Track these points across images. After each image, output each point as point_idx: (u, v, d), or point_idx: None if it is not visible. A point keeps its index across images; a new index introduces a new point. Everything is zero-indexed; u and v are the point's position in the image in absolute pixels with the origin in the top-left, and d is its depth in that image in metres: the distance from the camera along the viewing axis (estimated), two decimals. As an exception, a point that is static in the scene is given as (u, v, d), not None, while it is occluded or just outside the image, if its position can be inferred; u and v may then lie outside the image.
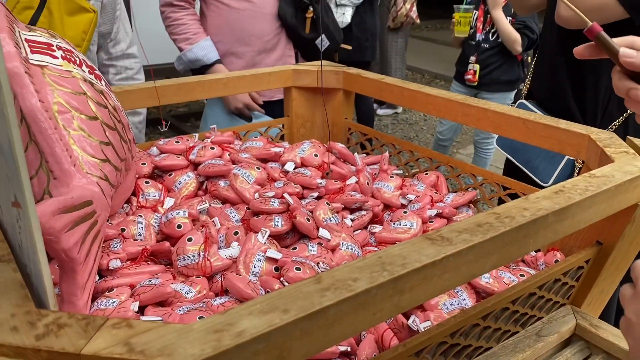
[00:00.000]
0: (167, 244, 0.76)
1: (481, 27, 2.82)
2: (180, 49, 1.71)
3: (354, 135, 1.27)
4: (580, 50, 0.61)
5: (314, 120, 1.28)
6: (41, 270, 0.42)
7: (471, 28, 2.83)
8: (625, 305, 0.47)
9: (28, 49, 0.70)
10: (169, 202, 0.87)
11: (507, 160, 1.49)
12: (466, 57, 2.87)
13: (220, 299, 0.64)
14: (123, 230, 0.78)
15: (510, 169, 1.50)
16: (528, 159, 1.25)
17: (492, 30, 2.79)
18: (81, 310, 0.58)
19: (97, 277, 0.68)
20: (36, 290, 0.45)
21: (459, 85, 3.01)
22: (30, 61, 0.68)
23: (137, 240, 0.77)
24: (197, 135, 1.10)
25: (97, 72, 0.80)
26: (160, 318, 0.58)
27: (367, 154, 1.20)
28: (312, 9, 1.68)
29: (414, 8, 4.33)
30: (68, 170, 0.63)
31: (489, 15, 2.78)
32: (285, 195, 0.81)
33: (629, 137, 0.78)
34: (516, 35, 2.67)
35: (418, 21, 4.54)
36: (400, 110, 4.99)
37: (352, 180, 0.92)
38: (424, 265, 0.47)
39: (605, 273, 0.76)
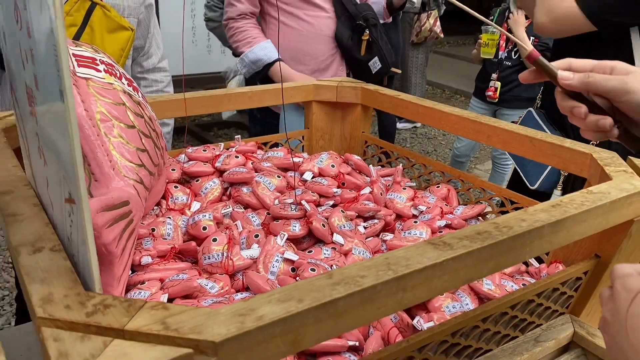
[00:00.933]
0: (193, 243, 0.82)
1: (504, 45, 2.87)
2: (242, 53, 1.75)
3: (371, 147, 1.33)
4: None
5: (333, 133, 1.35)
6: (90, 259, 0.48)
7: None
8: (603, 305, 0.52)
9: (75, 63, 0.77)
10: (195, 205, 0.93)
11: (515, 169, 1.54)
12: (487, 74, 2.92)
13: (242, 294, 0.70)
14: (153, 230, 0.84)
15: (515, 173, 1.55)
16: (523, 162, 1.30)
17: (515, 49, 2.84)
18: (117, 299, 0.64)
19: (130, 272, 0.75)
20: (83, 277, 0.51)
21: (478, 101, 3.06)
22: (77, 74, 0.75)
23: (165, 239, 0.84)
24: (222, 144, 1.17)
25: (135, 84, 0.88)
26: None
27: (382, 166, 1.26)
28: (368, 32, 1.75)
29: (438, 23, 4.39)
30: (108, 174, 0.70)
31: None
32: (303, 202, 0.87)
33: (629, 157, 0.83)
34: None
35: (442, 35, 4.59)
36: (419, 124, 5.03)
37: (366, 190, 0.98)
38: (426, 266, 0.53)
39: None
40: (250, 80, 1.79)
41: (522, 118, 1.57)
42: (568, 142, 0.90)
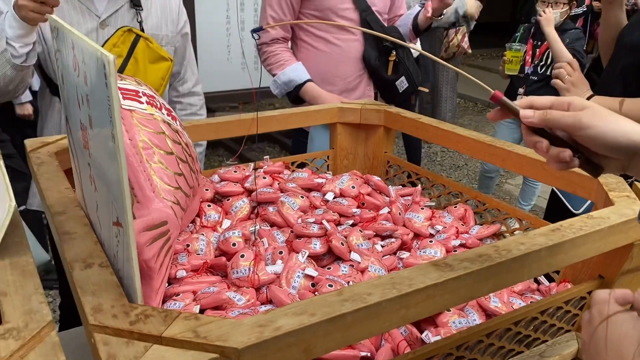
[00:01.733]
0: (223, 259, 0.90)
1: (530, 60, 2.90)
2: (275, 76, 1.84)
3: (393, 167, 1.39)
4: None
5: (357, 153, 1.41)
6: (134, 274, 0.56)
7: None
8: (582, 328, 0.57)
9: (121, 96, 0.86)
10: (226, 223, 1.01)
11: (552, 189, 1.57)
12: (514, 89, 2.95)
13: (265, 307, 0.77)
14: (188, 245, 0.93)
15: (554, 196, 1.58)
16: None
17: (541, 64, 2.87)
18: (155, 309, 0.72)
19: (167, 284, 0.83)
20: (127, 290, 0.60)
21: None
22: (122, 106, 0.84)
23: (199, 254, 0.92)
24: (252, 164, 1.25)
25: (174, 113, 0.96)
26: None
27: (403, 185, 1.32)
28: (394, 53, 1.82)
29: (466, 38, 4.42)
30: (149, 196, 0.78)
31: (537, 50, 2.86)
32: (324, 221, 0.94)
33: (635, 182, 0.87)
34: (568, 55, 2.72)
35: (470, 51, 4.62)
36: (450, 138, 5.04)
37: (385, 210, 1.04)
38: (427, 286, 0.59)
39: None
40: (294, 102, 1.87)
41: None
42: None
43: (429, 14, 1.83)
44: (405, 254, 0.98)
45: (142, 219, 0.69)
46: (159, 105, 0.91)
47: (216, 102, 4.71)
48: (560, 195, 1.48)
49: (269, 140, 4.48)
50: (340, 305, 0.55)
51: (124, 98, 0.86)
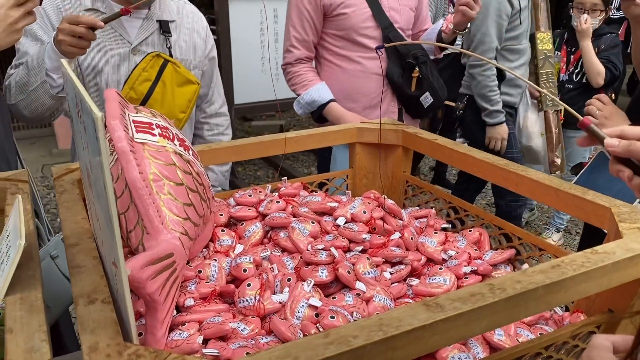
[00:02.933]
0: (232, 286, 0.92)
1: (564, 67, 2.84)
2: (299, 96, 1.89)
3: (412, 187, 1.38)
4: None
5: (375, 172, 1.42)
6: (129, 315, 0.59)
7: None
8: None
9: (134, 129, 0.90)
10: (239, 248, 1.04)
11: None
12: None
13: (267, 338, 0.79)
14: (200, 271, 0.95)
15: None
16: None
17: (576, 71, 2.80)
18: (159, 340, 0.75)
19: (175, 312, 0.86)
20: (125, 326, 0.62)
21: None
22: (135, 139, 0.88)
23: (210, 280, 0.95)
24: (270, 186, 1.27)
25: (187, 143, 0.99)
26: (217, 351, 0.74)
27: (419, 205, 1.31)
28: (417, 69, 1.83)
29: None
30: (157, 227, 0.81)
31: (572, 56, 2.80)
32: (332, 249, 0.95)
33: (650, 211, 0.84)
34: (601, 68, 2.67)
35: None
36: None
37: (396, 235, 1.04)
38: (415, 328, 0.59)
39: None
40: (317, 121, 1.89)
41: (593, 159, 1.58)
42: (590, 195, 0.93)
43: (445, 28, 1.81)
44: (415, 281, 0.98)
45: (144, 254, 0.71)
46: (171, 137, 0.94)
47: (251, 112, 4.78)
48: None
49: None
50: (324, 348, 0.56)
51: (137, 131, 0.89)
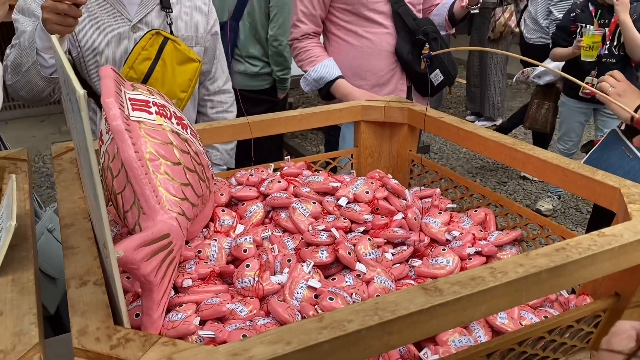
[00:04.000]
0: (232, 267, 0.91)
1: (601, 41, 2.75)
2: (306, 72, 1.84)
3: (417, 166, 1.36)
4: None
5: (381, 151, 1.39)
6: (119, 297, 0.58)
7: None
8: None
9: (130, 107, 0.88)
10: (239, 228, 1.02)
11: None
12: (583, 71, 2.79)
13: (265, 319, 0.78)
14: (200, 251, 0.94)
15: None
16: None
17: (614, 44, 2.72)
18: (155, 321, 0.74)
19: (173, 292, 0.85)
20: (117, 309, 0.61)
21: (574, 101, 2.96)
22: (131, 118, 0.86)
23: (210, 260, 0.93)
24: (272, 165, 1.25)
25: (185, 121, 0.97)
26: (213, 333, 0.73)
27: (425, 185, 1.29)
28: (427, 45, 1.78)
29: (513, 17, 4.25)
30: (154, 207, 0.80)
31: (607, 29, 2.71)
32: (333, 229, 0.93)
33: (660, 192, 0.81)
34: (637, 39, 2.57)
35: (517, 30, 4.43)
36: (499, 122, 4.89)
37: (399, 216, 1.02)
38: (412, 312, 0.58)
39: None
40: (324, 98, 1.85)
41: (604, 137, 1.54)
42: (600, 175, 0.90)
43: (464, 3, 1.76)
44: (417, 262, 0.96)
45: (138, 235, 0.70)
46: (168, 115, 0.93)
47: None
48: None
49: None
50: (318, 333, 0.54)
51: (134, 109, 0.88)
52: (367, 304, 0.58)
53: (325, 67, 1.79)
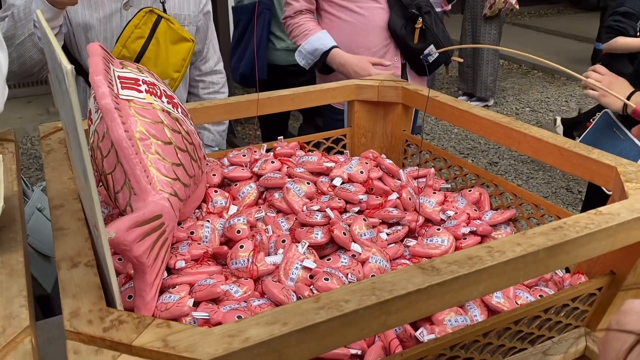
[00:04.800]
0: (225, 248, 0.90)
1: None
2: (300, 46, 1.80)
3: (412, 146, 1.35)
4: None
5: (375, 131, 1.38)
6: (111, 279, 0.57)
7: None
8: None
9: (119, 85, 0.86)
10: (232, 209, 1.01)
11: None
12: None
13: (260, 300, 0.77)
14: (192, 233, 0.93)
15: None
16: None
17: None
18: (149, 303, 0.73)
19: (166, 274, 0.83)
20: (109, 291, 0.60)
21: None
22: (120, 96, 0.84)
23: (203, 242, 0.92)
24: (265, 145, 1.24)
25: (176, 100, 0.95)
26: (207, 314, 0.72)
27: (419, 165, 1.28)
28: (421, 19, 1.74)
29: None
30: (145, 188, 0.78)
31: None
32: (327, 210, 0.92)
33: (656, 170, 0.81)
34: None
35: (517, 7, 4.40)
36: (491, 103, 4.89)
37: (394, 196, 1.01)
38: (410, 292, 0.57)
39: (619, 300, 0.80)
40: (322, 71, 1.82)
41: (596, 120, 1.54)
42: (595, 153, 0.89)
43: None
44: (412, 242, 0.96)
45: (129, 216, 0.69)
46: (159, 94, 0.90)
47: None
48: None
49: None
50: (315, 313, 0.54)
51: (123, 87, 0.85)
52: (364, 284, 0.58)
53: (320, 39, 1.75)
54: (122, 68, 0.90)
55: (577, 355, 0.78)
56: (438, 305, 0.60)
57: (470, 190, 1.10)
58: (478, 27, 4.52)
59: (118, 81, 0.86)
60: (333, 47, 1.74)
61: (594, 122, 1.56)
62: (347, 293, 0.56)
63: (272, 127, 2.86)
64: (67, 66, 0.47)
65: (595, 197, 1.61)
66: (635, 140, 1.36)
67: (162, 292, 0.79)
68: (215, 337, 0.51)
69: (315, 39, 1.77)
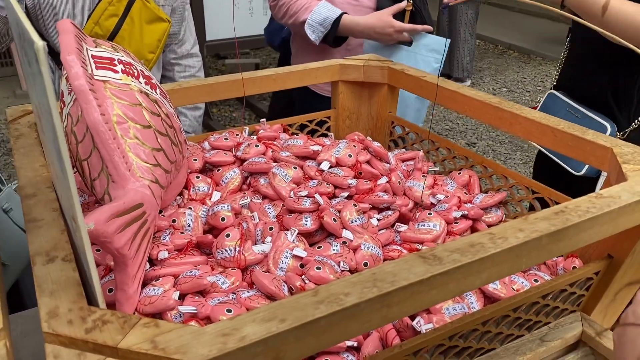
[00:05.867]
0: (210, 236, 0.86)
1: None
2: (305, 21, 1.67)
3: (398, 128, 1.32)
4: None
5: (360, 113, 1.34)
6: (92, 275, 0.52)
7: None
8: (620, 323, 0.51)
9: (94, 65, 0.80)
10: (216, 195, 0.97)
11: (540, 151, 1.51)
12: None
13: (249, 292, 0.73)
14: (174, 221, 0.89)
15: (541, 160, 1.51)
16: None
17: None
18: (131, 297, 0.69)
19: (148, 265, 0.79)
20: (90, 288, 0.56)
21: None
22: (95, 77, 0.78)
23: (186, 230, 0.88)
24: (247, 128, 1.19)
25: (154, 81, 0.90)
26: (194, 308, 0.68)
27: (406, 148, 1.25)
28: (411, 1, 1.68)
29: None
30: (124, 175, 0.74)
31: None
32: (316, 195, 0.88)
33: (652, 151, 0.79)
34: None
35: None
36: (468, 83, 4.89)
37: (383, 180, 0.98)
38: (412, 283, 0.54)
39: (616, 285, 0.79)
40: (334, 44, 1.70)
41: (544, 99, 1.52)
42: (590, 135, 0.87)
43: None
44: (403, 227, 0.93)
45: (109, 206, 0.64)
46: (136, 74, 0.85)
47: (225, 50, 4.59)
48: (556, 159, 1.40)
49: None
50: (314, 308, 0.50)
51: (97, 68, 0.80)
52: (364, 275, 0.54)
53: (326, 7, 1.64)
54: (96, 47, 0.85)
55: (574, 340, 0.77)
56: (440, 296, 0.57)
57: (459, 173, 1.08)
58: (454, 7, 4.49)
59: (92, 61, 0.81)
60: (342, 13, 1.64)
61: (539, 107, 1.52)
62: (347, 285, 0.53)
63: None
64: (39, 43, 0.42)
65: (540, 161, 1.59)
66: (594, 115, 1.35)
67: (144, 284, 0.75)
68: (209, 336, 0.47)
69: (321, 7, 1.65)
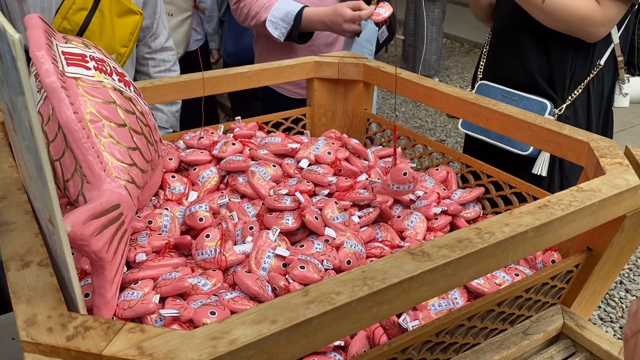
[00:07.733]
0: (188, 237, 0.84)
1: None
2: (266, 19, 1.63)
3: (373, 125, 1.31)
4: None
5: (335, 110, 1.33)
6: (72, 279, 0.50)
7: None
8: (628, 319, 0.51)
9: (64, 62, 0.77)
10: (192, 195, 0.95)
11: (467, 140, 1.52)
12: None
13: (232, 293, 0.72)
14: (150, 222, 0.86)
15: (470, 148, 1.52)
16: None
17: None
18: (110, 301, 0.66)
19: (126, 269, 0.77)
20: (69, 293, 0.53)
21: None
22: (66, 74, 0.75)
23: (163, 232, 0.86)
24: (222, 126, 1.17)
25: (127, 78, 0.87)
26: (177, 311, 0.66)
27: (383, 145, 1.25)
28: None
29: None
30: (99, 175, 0.71)
31: None
32: (297, 194, 0.87)
33: (628, 146, 0.81)
34: None
35: None
36: (436, 80, 4.93)
37: (363, 177, 0.98)
38: (402, 280, 0.53)
39: (595, 277, 0.80)
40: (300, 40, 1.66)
41: (475, 89, 1.54)
42: (567, 129, 0.88)
43: None
44: (384, 224, 0.92)
45: (86, 207, 0.62)
46: (108, 71, 0.82)
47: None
48: (504, 146, 1.39)
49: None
50: (305, 308, 0.49)
51: (69, 64, 0.77)
52: (354, 274, 0.54)
53: (285, 3, 1.62)
54: (66, 43, 0.82)
55: (555, 333, 0.78)
56: (429, 292, 0.57)
57: (437, 169, 1.08)
58: (420, 6, 4.53)
59: (63, 57, 0.78)
60: (304, 7, 1.62)
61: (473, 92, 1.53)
62: (338, 284, 0.52)
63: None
64: (14, 35, 0.40)
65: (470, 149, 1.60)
66: (531, 96, 1.37)
67: (122, 288, 0.73)
68: (198, 340, 0.46)
69: (282, 3, 1.62)
